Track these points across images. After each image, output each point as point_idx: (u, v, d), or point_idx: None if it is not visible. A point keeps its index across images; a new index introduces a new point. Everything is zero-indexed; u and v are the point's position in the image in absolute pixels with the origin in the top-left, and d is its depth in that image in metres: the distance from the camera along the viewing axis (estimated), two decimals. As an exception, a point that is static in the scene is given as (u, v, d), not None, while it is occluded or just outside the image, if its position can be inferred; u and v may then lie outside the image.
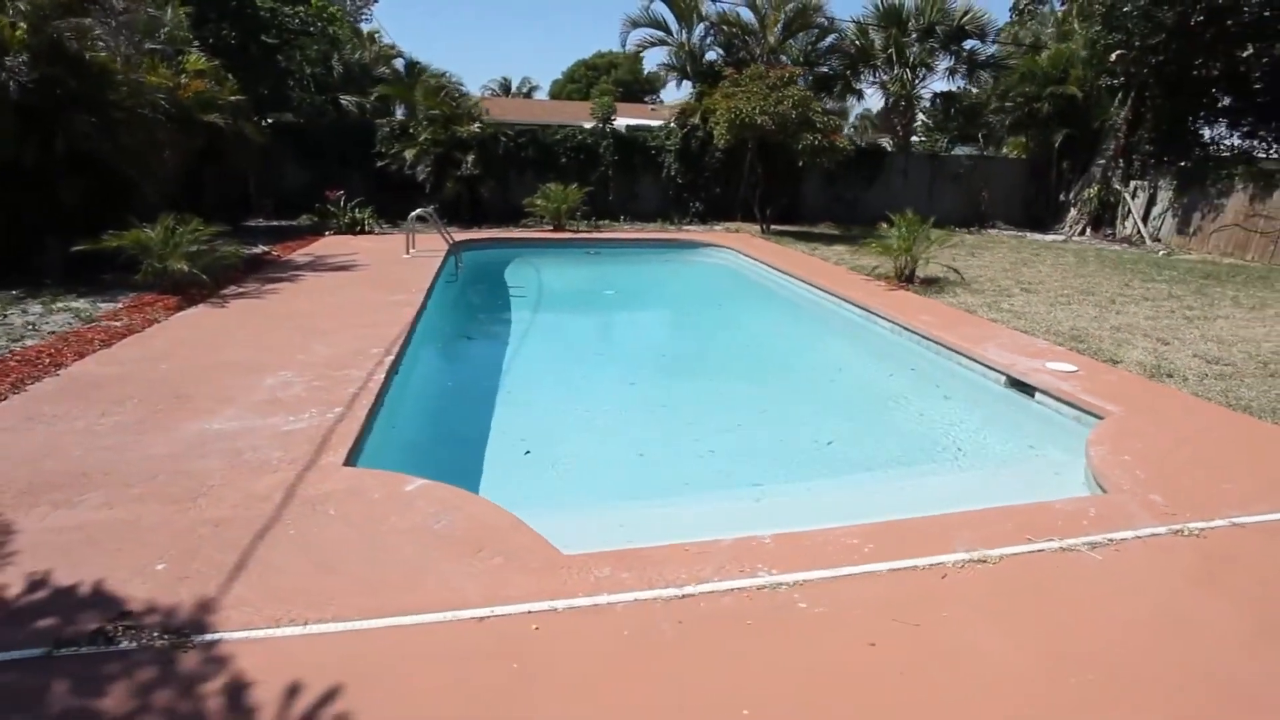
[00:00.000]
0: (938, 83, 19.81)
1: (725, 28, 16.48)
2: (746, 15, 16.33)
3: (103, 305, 7.23)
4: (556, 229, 14.56)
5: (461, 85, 23.83)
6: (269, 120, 15.33)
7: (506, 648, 2.51)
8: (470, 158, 14.72)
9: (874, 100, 23.99)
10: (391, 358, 5.78)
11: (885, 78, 18.65)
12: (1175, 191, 15.28)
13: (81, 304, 7.20)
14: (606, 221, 15.77)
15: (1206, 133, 16.32)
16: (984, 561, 3.17)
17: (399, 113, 21.37)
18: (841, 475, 5.21)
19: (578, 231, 14.53)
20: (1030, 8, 24.33)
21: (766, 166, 15.09)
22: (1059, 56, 16.60)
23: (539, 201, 14.47)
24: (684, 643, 2.58)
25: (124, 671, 2.30)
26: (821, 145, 13.58)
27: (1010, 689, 2.42)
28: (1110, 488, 3.95)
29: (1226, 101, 15.59)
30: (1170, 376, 5.96)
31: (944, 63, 18.15)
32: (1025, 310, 8.30)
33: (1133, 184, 16.11)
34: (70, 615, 2.58)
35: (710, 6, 16.21)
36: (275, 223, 14.64)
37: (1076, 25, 16.96)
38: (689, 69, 17.00)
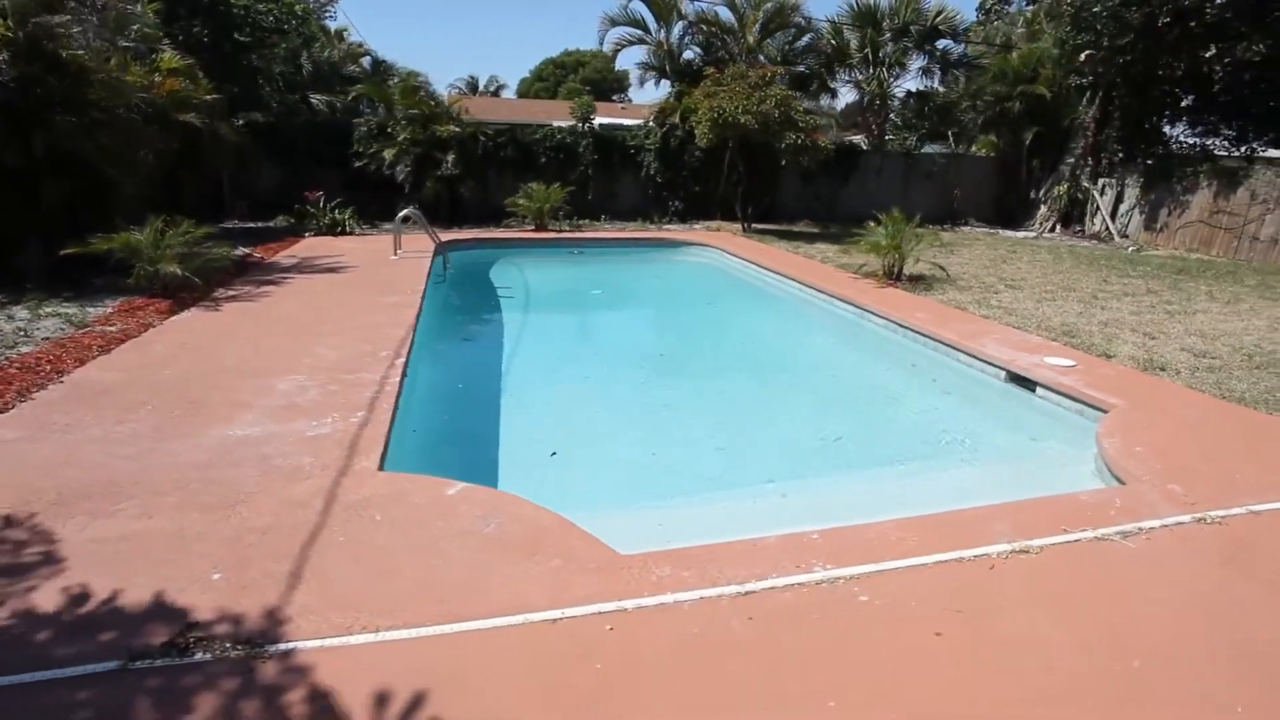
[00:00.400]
0: (910, 82, 20.09)
1: (704, 27, 16.56)
2: (725, 14, 16.47)
3: (91, 310, 7.00)
4: (539, 229, 14.49)
5: (429, 84, 23.53)
6: (240, 120, 14.95)
7: (585, 649, 2.53)
8: (450, 157, 14.55)
9: (846, 99, 24.29)
10: (402, 360, 5.71)
11: (860, 77, 18.96)
12: (1142, 189, 15.85)
13: (71, 309, 6.96)
14: (586, 221, 15.73)
15: (1170, 131, 16.93)
16: (1026, 552, 3.28)
17: (367, 111, 21.08)
18: (856, 471, 5.32)
19: (561, 231, 14.48)
20: (997, 7, 25.00)
21: (748, 166, 15.21)
22: (1029, 56, 17.07)
23: (521, 201, 14.38)
24: (757, 638, 2.63)
25: (206, 683, 2.27)
26: (804, 144, 13.75)
27: (1072, 673, 2.52)
28: (1128, 479, 4.10)
29: (1189, 100, 16.19)
30: (1163, 370, 6.20)
31: (917, 62, 18.54)
32: (1014, 306, 8.54)
33: (1101, 181, 16.66)
34: (135, 627, 2.52)
35: (689, 6, 16.30)
36: (251, 224, 14.29)
37: (1045, 25, 17.44)
38: (668, 68, 17.04)
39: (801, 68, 17.65)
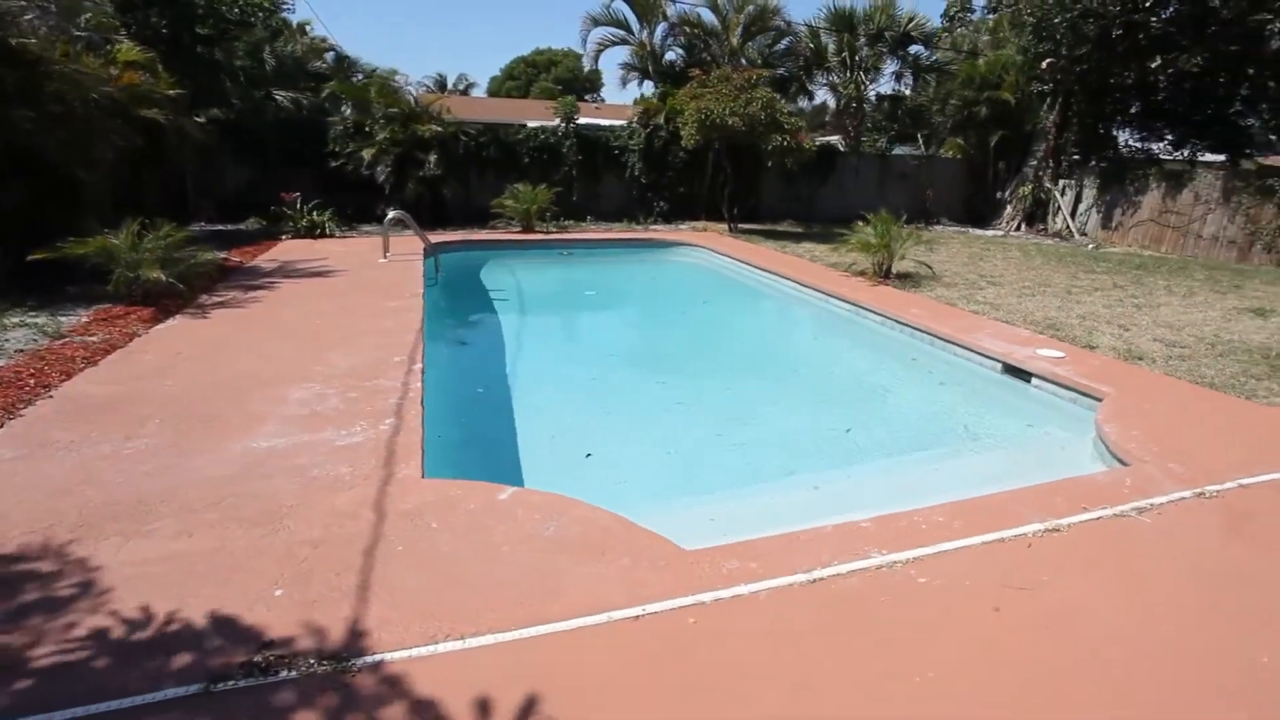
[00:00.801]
0: (884, 85, 20.58)
1: (687, 28, 16.66)
2: (708, 16, 16.61)
3: (64, 319, 6.66)
4: (526, 230, 14.36)
5: (407, 82, 23.08)
6: (202, 117, 14.42)
7: (674, 643, 2.56)
8: (433, 158, 14.31)
9: (815, 102, 24.73)
10: (419, 365, 5.63)
11: (836, 80, 19.35)
12: (1098, 190, 16.58)
13: (40, 318, 6.60)
14: (571, 222, 15.66)
15: (1120, 136, 17.77)
16: (1057, 530, 3.45)
17: (346, 109, 20.53)
18: (878, 461, 5.44)
19: (548, 232, 14.39)
20: (960, 14, 25.82)
21: (733, 167, 15.38)
22: (995, 63, 17.68)
23: (508, 202, 14.23)
24: (837, 623, 2.70)
25: (302, 701, 2.21)
26: (789, 146, 13.97)
27: (1126, 638, 2.68)
28: (1131, 460, 4.33)
29: (1137, 107, 17.00)
30: (1140, 359, 6.52)
31: (891, 67, 19.03)
32: (999, 301, 8.85)
33: (1061, 183, 17.36)
34: (207, 649, 2.44)
35: (673, 7, 16.38)
36: (219, 226, 13.80)
37: (1009, 34, 18.10)
38: (650, 69, 17.09)
39: (781, 70, 17.91)
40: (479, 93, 48.95)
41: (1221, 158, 15.83)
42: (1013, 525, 3.46)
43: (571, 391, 6.93)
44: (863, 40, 17.69)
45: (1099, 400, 5.46)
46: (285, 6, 18.46)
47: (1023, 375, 6.38)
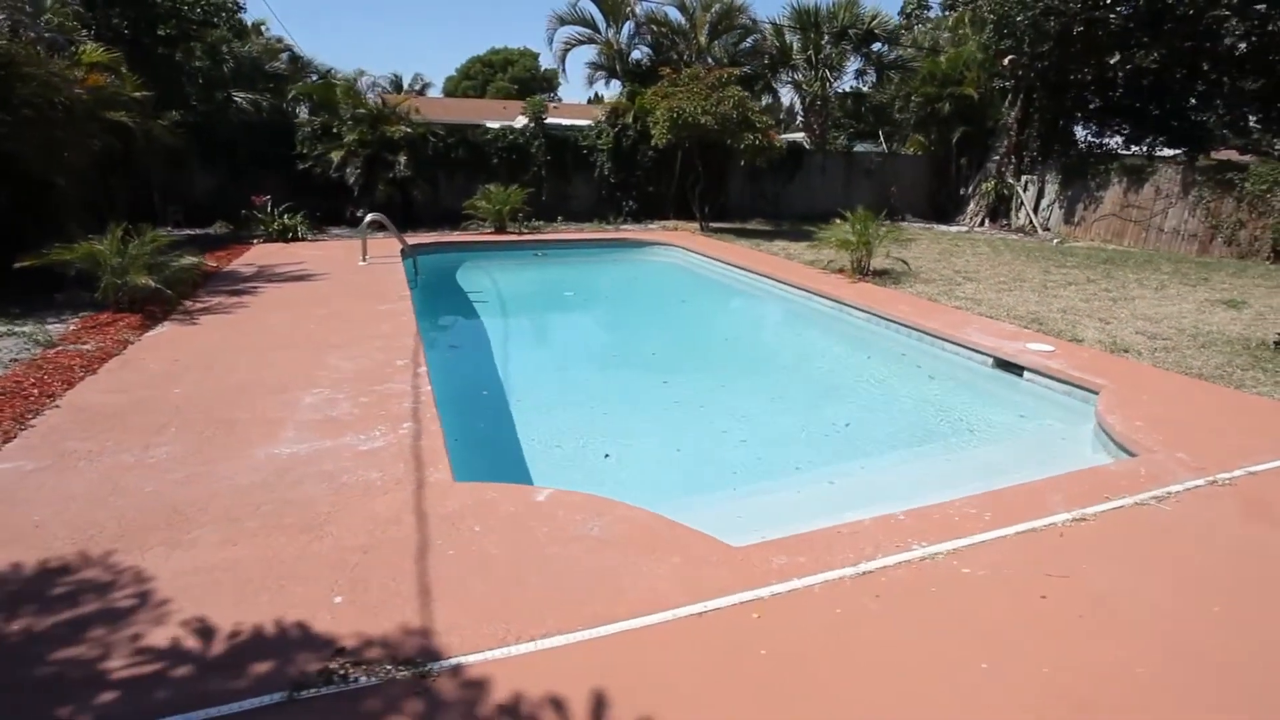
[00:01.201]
0: (848, 83, 20.94)
1: (654, 27, 16.71)
2: (675, 15, 16.69)
3: (52, 327, 6.45)
4: (498, 231, 14.28)
5: (377, 84, 22.57)
6: (164, 120, 13.96)
7: (742, 638, 2.62)
8: (402, 159, 14.12)
9: (782, 99, 25.09)
10: (424, 369, 5.59)
11: (801, 78, 19.63)
12: (1060, 185, 17.17)
13: (27, 326, 6.38)
14: (541, 222, 15.60)
15: (1080, 131, 18.44)
16: (1084, 520, 3.60)
17: (303, 111, 20.04)
18: (880, 455, 5.58)
19: (521, 233, 14.32)
20: (916, 12, 26.42)
21: (704, 166, 15.50)
22: (956, 59, 18.17)
23: (481, 203, 14.13)
24: (892, 613, 2.79)
25: (388, 708, 2.21)
26: (762, 145, 14.14)
27: (1169, 620, 2.82)
28: (1140, 450, 4.51)
29: (1096, 103, 17.68)
30: (1127, 351, 6.81)
31: (854, 64, 19.38)
32: (979, 297, 9.13)
33: (1024, 178, 17.93)
34: (279, 657, 2.41)
35: (641, 6, 16.42)
36: (188, 231, 13.38)
37: (969, 31, 18.61)
38: (618, 68, 17.10)
39: (747, 69, 18.09)
40: (435, 93, 48.31)
41: (1177, 152, 16.54)
42: (1042, 515, 3.59)
43: (566, 391, 6.95)
44: (827, 38, 17.98)
45: (1095, 393, 5.68)
46: (243, 8, 18.00)
47: (1015, 369, 6.60)
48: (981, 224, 18.66)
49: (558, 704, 2.26)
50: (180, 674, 2.31)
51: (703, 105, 13.39)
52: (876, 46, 18.81)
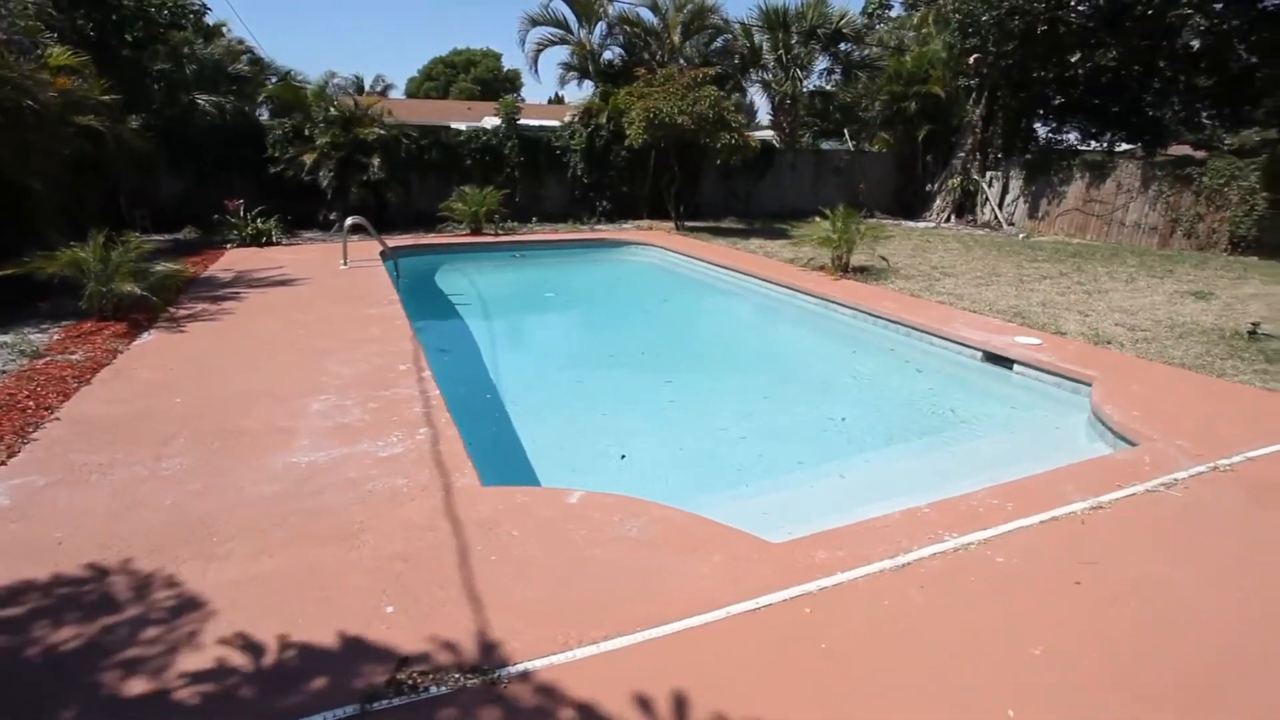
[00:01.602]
0: (816, 81, 21.25)
1: (627, 27, 16.72)
2: (647, 16, 16.72)
3: (34, 337, 6.21)
4: (475, 232, 14.15)
5: (308, 82, 21.92)
6: (131, 124, 13.47)
7: (799, 632, 2.66)
8: (376, 161, 13.87)
9: (750, 99, 25.28)
10: (428, 372, 5.52)
11: (769, 77, 19.84)
12: (1024, 181, 17.70)
13: (7, 337, 6.12)
14: (515, 224, 15.49)
15: (1041, 128, 19.04)
16: (1100, 508, 3.73)
17: (264, 113, 19.50)
18: (886, 449, 5.69)
19: (497, 234, 14.21)
20: (877, 12, 26.94)
21: (680, 165, 15.57)
22: (921, 59, 18.59)
23: (457, 205, 13.97)
24: (938, 603, 2.87)
25: (465, 715, 2.20)
26: (738, 144, 14.26)
27: (1199, 603, 2.96)
28: (1140, 440, 4.67)
29: (1058, 100, 18.28)
30: (1109, 343, 7.05)
31: (823, 63, 19.70)
32: (960, 292, 9.37)
33: (989, 174, 18.44)
34: (341, 670, 2.38)
35: (613, 7, 16.41)
36: (156, 237, 12.90)
37: (934, 30, 19.05)
38: (590, 68, 17.07)
39: (719, 69, 18.22)
40: (397, 94, 47.49)
41: (1134, 147, 17.17)
42: (1061, 505, 3.72)
43: (566, 394, 6.93)
44: (796, 38, 18.22)
45: (1087, 385, 5.87)
46: (209, 8, 17.48)
47: (1005, 363, 6.79)
48: (948, 220, 19.12)
49: (631, 704, 2.27)
50: (244, 692, 2.26)
51: (679, 105, 13.45)
52: (844, 46, 19.11)
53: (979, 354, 7.05)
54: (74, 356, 5.64)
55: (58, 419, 4.46)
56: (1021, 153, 18.16)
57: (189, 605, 2.67)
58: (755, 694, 2.35)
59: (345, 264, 10.23)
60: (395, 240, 12.65)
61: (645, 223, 16.46)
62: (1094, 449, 5.13)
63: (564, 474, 4.88)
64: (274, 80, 22.75)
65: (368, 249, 11.34)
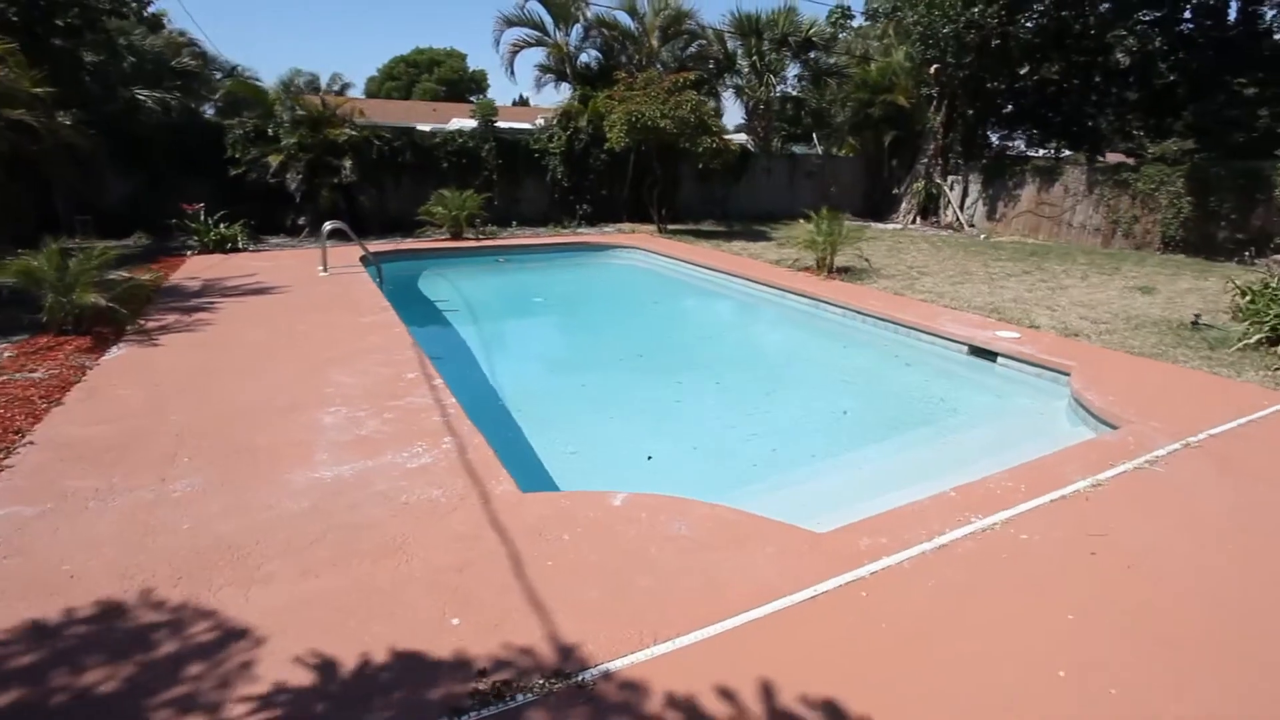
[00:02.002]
0: (786, 87, 21.68)
1: (604, 31, 16.76)
2: (625, 19, 16.79)
3: (-21, 354, 5.85)
4: (455, 237, 13.95)
5: (256, 79, 21.31)
6: (67, 119, 12.78)
7: (859, 615, 2.77)
8: (348, 163, 13.55)
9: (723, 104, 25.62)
10: (439, 380, 5.44)
11: (742, 83, 20.17)
12: (982, 185, 18.43)
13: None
14: (494, 228, 15.35)
15: (994, 136, 19.89)
16: (1099, 485, 3.97)
17: (208, 110, 18.80)
18: (895, 438, 5.87)
19: (479, 239, 14.04)
20: (840, 21, 27.68)
21: (662, 168, 15.67)
22: (886, 69, 19.20)
23: (437, 209, 13.76)
24: (978, 580, 3.04)
25: (558, 719, 2.19)
26: (718, 148, 14.45)
27: (1199, 562, 3.24)
28: (1120, 422, 4.97)
29: (1009, 109, 19.15)
30: (1077, 335, 7.43)
31: (794, 70, 20.14)
32: (939, 290, 9.71)
33: (950, 178, 19.13)
34: (418, 685, 2.35)
35: (590, 10, 16.42)
36: (102, 244, 12.28)
37: (895, 42, 19.69)
38: (567, 71, 17.03)
39: (697, 73, 18.41)
40: (356, 93, 46.44)
41: (1072, 154, 18.12)
42: (1066, 484, 3.94)
43: (567, 397, 6.93)
44: (768, 44, 18.60)
45: (1066, 374, 6.19)
46: None
47: (989, 355, 7.08)
48: (913, 221, 19.75)
49: (722, 693, 2.31)
50: (320, 712, 2.21)
51: (661, 109, 13.55)
52: (814, 54, 19.56)
53: (965, 348, 7.33)
54: (36, 375, 5.35)
55: (31, 443, 4.22)
56: (979, 158, 18.91)
57: (235, 634, 2.58)
58: (831, 675, 2.42)
59: (325, 271, 9.97)
60: (373, 246, 12.36)
61: (627, 226, 16.50)
62: (1078, 432, 5.42)
63: (581, 478, 4.86)
64: (220, 76, 21.97)
65: (345, 255, 11.08)
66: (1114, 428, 5.01)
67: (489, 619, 2.69)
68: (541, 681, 2.36)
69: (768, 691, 2.33)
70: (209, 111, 18.37)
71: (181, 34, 23.62)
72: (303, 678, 2.37)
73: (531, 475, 4.98)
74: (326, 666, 2.43)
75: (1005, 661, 2.53)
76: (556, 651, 2.51)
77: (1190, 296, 9.59)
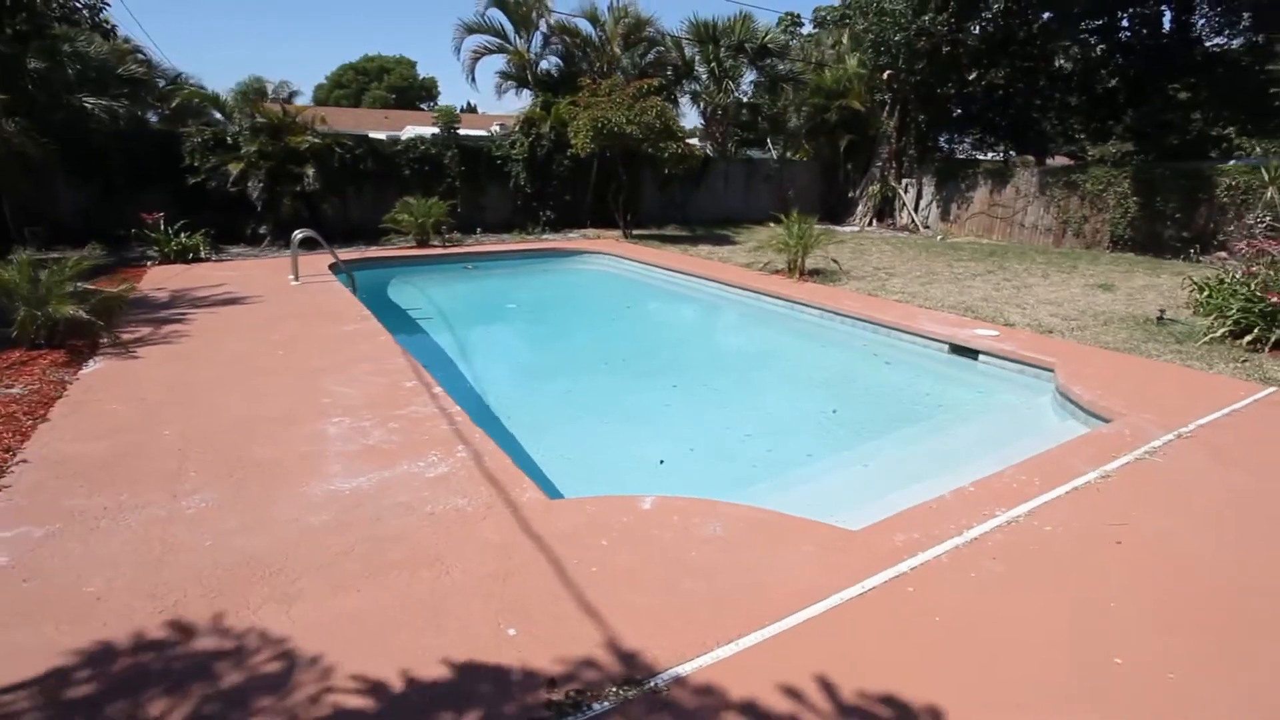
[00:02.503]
0: (745, 91, 22.00)
1: (566, 38, 16.73)
2: (586, 27, 16.81)
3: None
4: (421, 245, 13.71)
5: (202, 87, 20.59)
6: (13, 127, 12.11)
7: (911, 608, 2.82)
8: (310, 171, 13.18)
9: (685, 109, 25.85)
10: (439, 389, 5.34)
11: (699, 89, 20.39)
12: (936, 187, 19.05)
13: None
14: (459, 235, 15.13)
15: (945, 139, 20.58)
16: (1107, 476, 4.13)
17: (153, 118, 18.08)
18: (892, 435, 5.99)
19: (445, 246, 13.82)
20: (791, 28, 28.28)
21: (627, 174, 15.71)
22: (840, 75, 19.69)
23: (402, 216, 13.50)
24: (1015, 571, 3.12)
25: (642, 725, 2.18)
26: (684, 153, 14.56)
27: (1208, 546, 3.39)
28: (1112, 416, 5.18)
29: (958, 113, 19.85)
30: (1050, 332, 7.74)
31: (750, 76, 20.45)
32: (910, 290, 9.98)
33: (904, 181, 19.72)
34: (488, 699, 2.29)
35: (554, 16, 16.37)
36: (54, 256, 11.67)
37: (849, 49, 20.22)
38: (529, 78, 16.95)
39: (658, 80, 18.51)
40: (304, 101, 45.15)
41: (1018, 156, 18.92)
42: (1077, 476, 4.09)
43: (554, 402, 6.87)
44: (725, 51, 18.87)
45: (1048, 370, 6.43)
46: (108, 4, 16.04)
47: (970, 354, 7.31)
48: (870, 224, 20.26)
49: (788, 692, 2.33)
50: (404, 727, 2.15)
51: (627, 115, 13.60)
52: (769, 60, 19.92)
53: (946, 346, 7.54)
54: (13, 390, 5.06)
55: (25, 461, 3.99)
56: (932, 161, 19.54)
57: (288, 651, 2.48)
58: (894, 670, 2.46)
59: (297, 280, 9.66)
60: (345, 255, 12.03)
61: (592, 232, 16.47)
62: (1067, 426, 5.62)
63: (581, 483, 4.82)
64: (164, 84, 21.14)
65: (314, 263, 10.77)
66: (1106, 421, 5.19)
67: (545, 628, 2.65)
68: (614, 689, 2.33)
69: (833, 689, 2.35)
70: (154, 119, 17.64)
71: (126, 40, 22.71)
72: (368, 695, 2.29)
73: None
74: (388, 683, 2.35)
75: (1059, 650, 2.61)
76: (620, 658, 2.49)
77: (1149, 293, 10.09)
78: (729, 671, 2.44)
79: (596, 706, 2.26)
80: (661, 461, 5.16)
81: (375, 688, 2.33)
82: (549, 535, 3.30)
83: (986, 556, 3.21)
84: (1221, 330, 7.08)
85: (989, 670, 2.49)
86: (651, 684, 2.36)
